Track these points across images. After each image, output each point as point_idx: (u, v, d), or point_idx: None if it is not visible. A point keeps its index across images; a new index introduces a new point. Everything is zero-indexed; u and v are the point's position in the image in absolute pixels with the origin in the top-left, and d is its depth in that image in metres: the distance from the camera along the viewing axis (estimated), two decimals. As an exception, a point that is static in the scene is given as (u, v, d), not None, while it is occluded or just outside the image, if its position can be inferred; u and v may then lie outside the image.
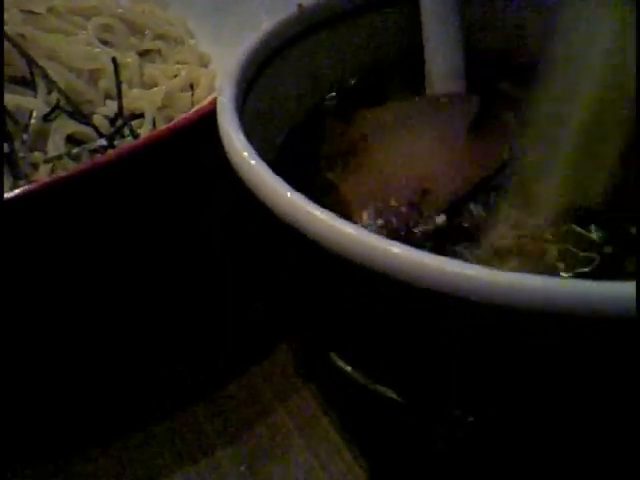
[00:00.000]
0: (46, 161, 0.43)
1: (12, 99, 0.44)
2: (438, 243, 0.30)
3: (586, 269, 0.28)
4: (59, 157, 0.43)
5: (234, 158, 0.28)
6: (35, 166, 0.43)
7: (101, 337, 0.41)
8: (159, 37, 0.55)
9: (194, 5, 0.58)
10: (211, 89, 0.51)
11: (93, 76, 0.48)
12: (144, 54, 0.53)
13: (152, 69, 0.51)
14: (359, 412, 0.37)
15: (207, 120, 0.33)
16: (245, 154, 0.28)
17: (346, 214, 0.31)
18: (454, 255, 0.29)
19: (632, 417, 0.26)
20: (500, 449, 0.31)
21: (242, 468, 0.37)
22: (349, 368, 0.31)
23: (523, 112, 0.36)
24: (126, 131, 0.45)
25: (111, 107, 0.47)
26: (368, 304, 0.26)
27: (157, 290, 0.43)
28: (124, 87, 0.48)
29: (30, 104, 0.44)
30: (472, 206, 0.31)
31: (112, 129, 0.45)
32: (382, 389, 0.30)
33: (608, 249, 0.29)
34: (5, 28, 0.45)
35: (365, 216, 0.31)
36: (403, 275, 0.22)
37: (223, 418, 0.39)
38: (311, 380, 0.39)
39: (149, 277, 0.42)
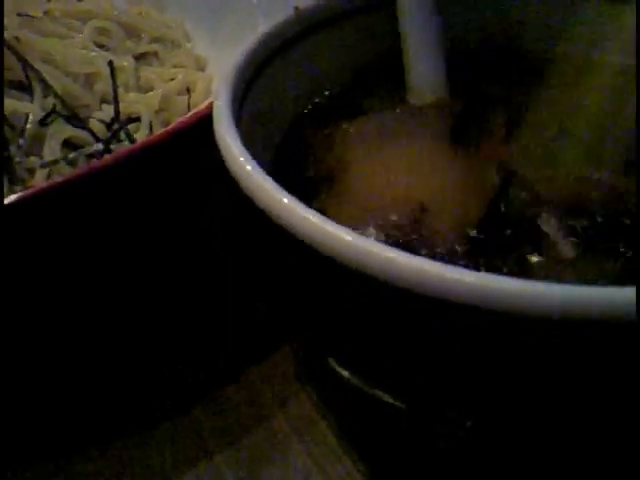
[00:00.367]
0: (42, 166, 0.43)
1: (8, 103, 0.44)
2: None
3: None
4: (55, 162, 0.43)
5: (231, 164, 0.28)
6: (31, 171, 0.43)
7: (101, 339, 0.41)
8: (155, 40, 0.55)
9: (191, 8, 0.58)
10: (208, 92, 0.51)
11: (89, 80, 0.48)
12: (140, 57, 0.53)
13: (148, 73, 0.51)
14: (357, 416, 0.37)
15: (204, 124, 0.33)
16: (242, 160, 0.28)
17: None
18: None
19: (630, 419, 0.26)
20: (497, 454, 0.31)
21: (241, 472, 0.37)
22: (347, 373, 0.31)
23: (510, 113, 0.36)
24: (122, 135, 0.45)
25: (107, 111, 0.47)
26: (365, 310, 0.26)
27: (157, 292, 0.43)
28: (120, 91, 0.48)
29: (26, 108, 0.44)
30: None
31: (108, 133, 0.45)
32: (380, 394, 0.30)
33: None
34: (0, 32, 0.45)
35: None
36: (401, 281, 0.22)
37: (222, 421, 0.39)
38: (310, 384, 0.39)
39: (149, 280, 0.42)
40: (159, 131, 0.39)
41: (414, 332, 0.25)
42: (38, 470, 0.38)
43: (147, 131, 0.47)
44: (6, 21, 0.46)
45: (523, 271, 0.28)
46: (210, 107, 0.32)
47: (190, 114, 0.39)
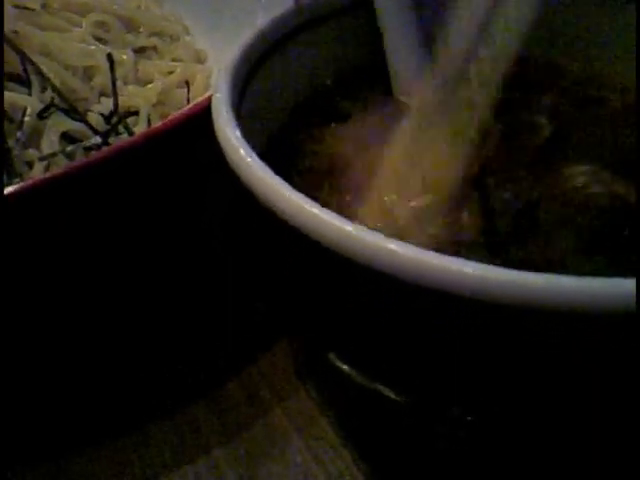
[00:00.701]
0: (41, 159, 0.42)
1: (6, 96, 0.43)
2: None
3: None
4: (53, 155, 0.42)
5: (230, 156, 0.28)
6: (29, 164, 0.43)
7: (100, 336, 0.41)
8: (154, 34, 0.54)
9: (190, 1, 0.58)
10: (207, 86, 0.51)
11: (88, 73, 0.48)
12: (139, 51, 0.52)
13: (147, 66, 0.50)
14: (358, 412, 0.37)
15: (203, 116, 0.33)
16: (242, 152, 0.28)
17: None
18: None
19: (632, 415, 0.26)
20: (497, 451, 0.31)
21: (240, 468, 0.37)
22: (347, 368, 0.31)
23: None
24: (121, 128, 0.45)
25: (106, 104, 0.46)
26: (366, 303, 0.26)
27: (155, 287, 0.42)
28: (119, 84, 0.47)
29: (24, 101, 0.44)
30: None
31: (107, 126, 0.45)
32: (380, 388, 0.30)
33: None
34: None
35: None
36: (403, 273, 0.22)
37: (222, 418, 0.39)
38: (310, 380, 0.39)
39: (146, 275, 0.42)
40: (157, 124, 0.39)
41: (415, 325, 0.25)
42: (38, 470, 0.38)
43: (146, 124, 0.46)
44: (4, 14, 0.46)
45: (524, 264, 0.28)
46: (209, 100, 0.32)
47: (189, 106, 0.39)
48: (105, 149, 0.38)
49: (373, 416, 0.35)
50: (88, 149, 0.44)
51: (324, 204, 0.24)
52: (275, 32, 0.37)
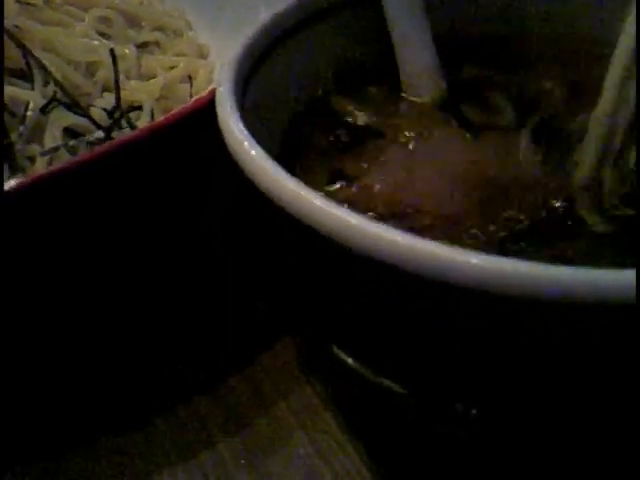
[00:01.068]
0: (43, 154, 0.42)
1: (9, 91, 0.43)
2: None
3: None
4: (56, 149, 0.42)
5: (234, 149, 0.28)
6: (32, 159, 0.43)
7: (102, 333, 0.41)
8: (157, 29, 0.54)
9: (192, -4, 0.57)
10: (210, 81, 0.50)
11: (90, 68, 0.48)
12: (142, 46, 0.52)
13: (150, 61, 0.50)
14: (361, 405, 0.37)
15: (205, 111, 0.33)
16: (246, 144, 0.28)
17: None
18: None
19: (636, 410, 0.26)
20: (503, 444, 0.31)
21: (244, 462, 0.37)
22: (351, 360, 0.31)
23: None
24: (124, 123, 0.45)
25: (109, 99, 0.46)
26: (370, 294, 0.26)
27: (157, 281, 0.42)
28: (122, 79, 0.47)
29: (26, 96, 0.44)
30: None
31: (110, 121, 0.45)
32: (384, 381, 0.30)
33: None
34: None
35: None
36: (408, 264, 0.22)
37: (225, 411, 0.39)
38: (313, 373, 0.39)
39: (148, 268, 0.42)
40: (160, 118, 0.39)
41: (420, 316, 0.25)
42: (38, 467, 0.38)
43: (148, 119, 0.46)
44: (6, 9, 0.46)
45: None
46: (212, 94, 0.32)
47: (192, 101, 0.39)
48: (108, 143, 0.38)
49: (377, 410, 0.35)
50: (91, 144, 0.43)
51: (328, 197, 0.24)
52: (278, 26, 0.37)
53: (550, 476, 0.31)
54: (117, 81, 0.47)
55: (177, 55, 0.53)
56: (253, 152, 0.27)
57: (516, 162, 0.33)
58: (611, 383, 0.25)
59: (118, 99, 0.46)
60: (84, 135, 0.44)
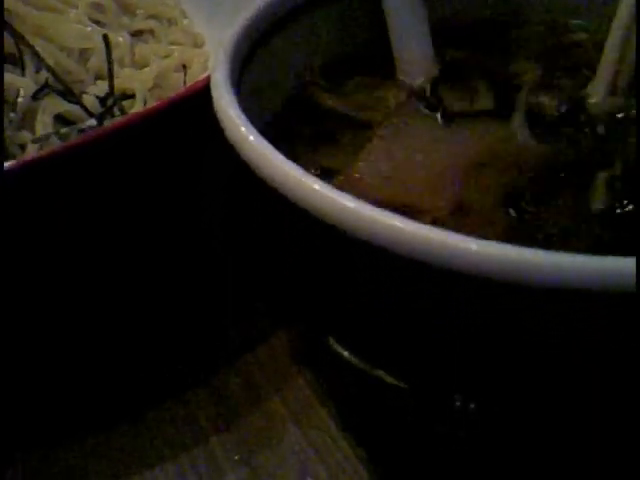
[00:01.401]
0: (34, 141, 0.42)
1: None
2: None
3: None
4: (47, 137, 0.42)
5: (230, 132, 0.27)
6: (23, 146, 0.42)
7: (97, 327, 0.40)
8: (152, 17, 0.53)
9: (188, -15, 0.57)
10: (204, 70, 0.50)
11: (84, 55, 0.47)
12: (136, 34, 0.52)
13: (144, 49, 0.50)
14: (357, 400, 0.36)
15: (199, 98, 0.32)
16: (243, 129, 0.27)
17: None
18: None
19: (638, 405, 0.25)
20: (502, 439, 0.31)
21: (236, 457, 0.36)
22: (347, 353, 0.30)
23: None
24: (116, 111, 0.44)
25: (102, 87, 0.46)
26: (368, 282, 0.25)
27: (150, 272, 0.42)
28: (115, 67, 0.46)
29: (18, 82, 0.43)
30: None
31: (102, 109, 0.44)
32: (381, 374, 0.29)
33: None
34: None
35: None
36: (405, 249, 0.21)
37: (217, 406, 0.38)
38: (309, 368, 0.39)
39: (141, 260, 0.41)
40: (153, 104, 0.38)
41: (418, 306, 0.24)
42: (32, 462, 0.37)
43: (142, 107, 0.45)
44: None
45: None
46: (206, 82, 0.32)
47: (185, 88, 0.38)
48: (99, 129, 0.38)
49: (373, 405, 0.35)
50: (82, 131, 0.43)
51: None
52: (275, 11, 0.37)
53: (550, 474, 0.31)
54: (110, 69, 0.46)
55: (171, 44, 0.52)
56: (250, 137, 0.26)
57: (501, 145, 0.33)
58: (612, 376, 0.24)
59: (111, 87, 0.45)
60: (76, 123, 0.43)
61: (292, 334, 0.41)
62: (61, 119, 0.44)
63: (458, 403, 0.29)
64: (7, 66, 0.44)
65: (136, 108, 0.45)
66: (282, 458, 0.35)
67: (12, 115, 0.42)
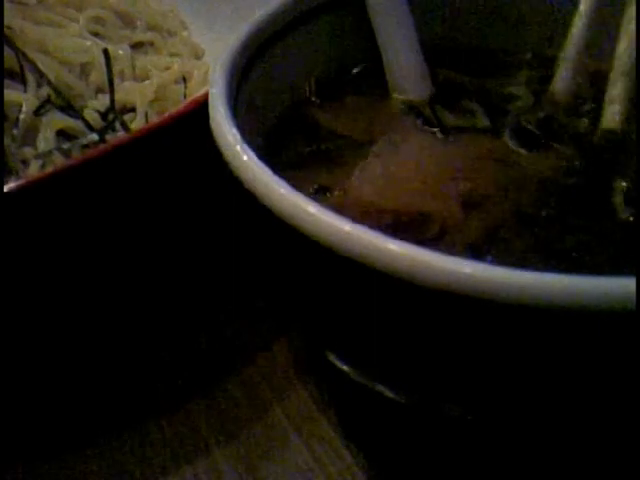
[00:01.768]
0: (36, 157, 0.42)
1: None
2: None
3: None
4: (49, 153, 0.42)
5: (226, 152, 0.28)
6: (25, 162, 0.42)
7: (98, 336, 0.41)
8: (152, 29, 0.54)
9: (187, -4, 0.57)
10: (205, 81, 0.50)
11: (84, 69, 0.47)
12: (136, 46, 0.52)
13: (144, 61, 0.50)
14: (357, 410, 0.37)
15: (200, 112, 0.32)
16: (237, 148, 0.27)
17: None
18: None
19: (631, 412, 0.25)
20: (499, 449, 0.31)
21: (239, 468, 0.36)
22: (346, 367, 0.31)
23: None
24: (118, 125, 0.45)
25: (103, 100, 0.46)
26: (362, 301, 0.25)
27: (153, 285, 0.42)
28: (116, 80, 0.47)
29: (20, 98, 0.43)
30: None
31: (103, 123, 0.44)
32: (379, 388, 0.29)
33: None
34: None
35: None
36: (398, 271, 0.22)
37: (220, 418, 0.38)
38: (310, 380, 0.39)
39: (143, 272, 0.42)
40: (153, 120, 0.39)
41: (413, 324, 0.24)
42: (34, 472, 0.37)
43: (143, 121, 0.46)
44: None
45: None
46: (206, 95, 0.32)
47: (186, 102, 0.38)
48: (102, 147, 0.38)
49: (373, 416, 0.35)
50: (84, 146, 0.43)
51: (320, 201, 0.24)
52: (272, 24, 0.37)
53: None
54: (111, 83, 0.46)
55: (171, 55, 0.52)
56: (245, 158, 0.27)
57: (498, 162, 0.33)
58: (606, 388, 0.25)
59: (112, 101, 0.46)
60: (78, 137, 0.44)
61: (293, 345, 0.41)
62: (63, 134, 0.44)
63: (455, 413, 0.29)
64: (9, 82, 0.44)
65: (137, 122, 0.46)
66: (285, 470, 0.35)
67: (14, 131, 0.43)
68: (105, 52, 0.47)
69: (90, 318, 0.40)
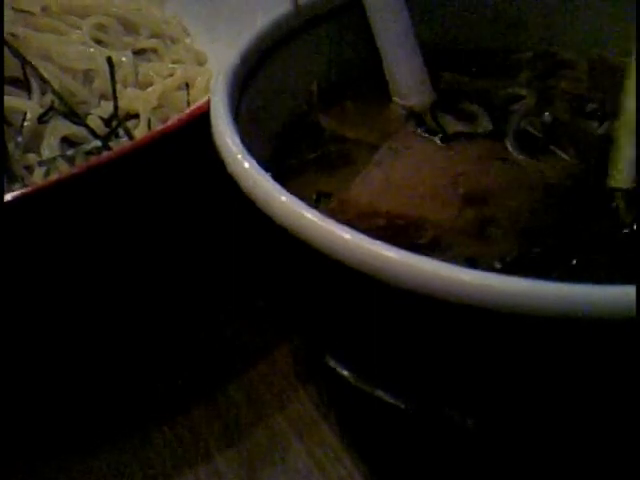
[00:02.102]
0: (40, 163, 0.42)
1: (6, 100, 0.43)
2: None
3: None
4: (53, 159, 0.42)
5: (228, 161, 0.28)
6: (29, 169, 0.43)
7: (99, 341, 0.41)
8: (154, 36, 0.54)
9: (190, 3, 0.57)
10: (207, 88, 0.50)
11: (88, 76, 0.48)
12: (139, 53, 0.52)
13: (147, 68, 0.50)
14: (358, 416, 0.37)
15: (203, 119, 0.33)
16: (239, 157, 0.28)
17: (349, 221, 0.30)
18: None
19: (631, 419, 0.25)
20: (500, 455, 0.31)
21: (240, 472, 0.36)
22: (346, 372, 0.31)
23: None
24: (121, 132, 0.45)
25: (106, 107, 0.46)
26: (362, 309, 0.25)
27: (156, 290, 0.42)
28: (119, 87, 0.47)
29: (24, 106, 0.44)
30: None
31: (107, 130, 0.45)
32: (379, 393, 0.30)
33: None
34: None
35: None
36: (396, 280, 0.22)
37: (222, 422, 0.39)
38: (310, 383, 0.39)
39: (147, 278, 0.42)
40: (157, 128, 0.39)
41: (411, 330, 0.25)
42: (35, 475, 0.38)
43: (146, 127, 0.46)
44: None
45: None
46: (209, 102, 0.32)
47: (189, 110, 0.39)
48: (106, 154, 0.38)
49: (373, 420, 0.35)
50: (88, 153, 0.43)
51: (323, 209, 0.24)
52: (274, 33, 0.37)
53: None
54: (114, 90, 0.46)
55: (174, 62, 0.53)
56: (247, 165, 0.27)
57: (499, 167, 0.33)
58: (603, 395, 0.25)
59: (116, 108, 0.46)
60: (81, 144, 0.44)
61: (295, 352, 0.41)
62: (67, 140, 0.44)
63: (455, 419, 0.29)
64: (13, 89, 0.45)
65: (140, 128, 0.46)
66: (286, 474, 0.36)
67: (19, 138, 0.43)
68: (108, 60, 0.47)
69: (91, 318, 0.41)
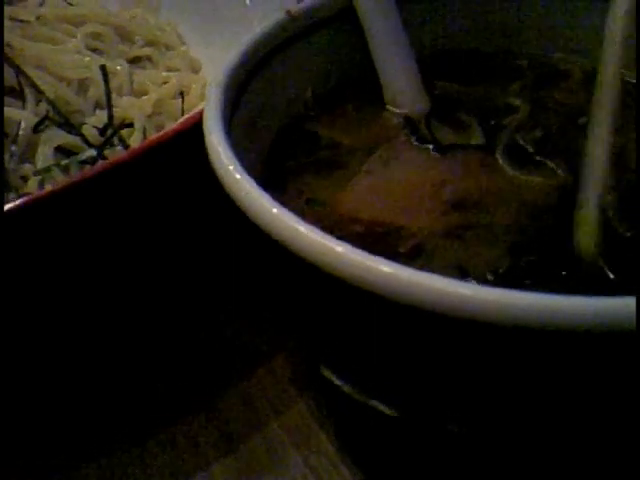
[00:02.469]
0: (35, 173, 0.42)
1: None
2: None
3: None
4: (48, 169, 0.42)
5: (220, 172, 0.28)
6: (24, 178, 0.43)
7: (99, 347, 0.41)
8: (149, 43, 0.54)
9: (185, 11, 0.57)
10: (202, 95, 0.50)
11: (82, 85, 0.48)
12: (134, 61, 0.53)
13: (142, 76, 0.50)
14: (354, 425, 0.37)
15: (198, 129, 0.33)
16: (231, 168, 0.28)
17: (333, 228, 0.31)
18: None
19: (625, 432, 0.26)
20: (495, 463, 0.31)
21: (237, 480, 0.36)
22: (340, 382, 0.31)
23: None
24: (116, 141, 0.45)
25: (101, 116, 0.46)
26: (356, 321, 0.25)
27: (154, 300, 0.42)
28: (114, 95, 0.47)
29: (19, 115, 0.44)
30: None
31: (102, 139, 0.45)
32: (375, 404, 0.30)
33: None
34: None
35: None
36: (390, 292, 0.22)
37: (219, 431, 0.39)
38: (308, 394, 0.39)
39: (144, 287, 0.42)
40: (151, 137, 0.39)
41: (404, 342, 0.25)
42: (36, 473, 0.38)
43: (141, 136, 0.46)
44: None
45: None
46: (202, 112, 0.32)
47: (184, 119, 0.39)
48: (101, 164, 0.38)
49: (370, 431, 0.35)
50: (83, 162, 0.43)
51: (317, 220, 0.24)
52: (267, 42, 0.37)
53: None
54: (109, 99, 0.47)
55: (169, 70, 0.53)
56: (238, 176, 0.27)
57: (488, 179, 0.33)
58: (598, 406, 0.25)
59: (110, 117, 0.46)
60: (76, 153, 0.44)
61: (292, 362, 0.41)
62: (61, 150, 0.44)
63: (450, 428, 0.29)
64: (8, 99, 0.45)
65: (135, 137, 0.46)
66: (283, 484, 0.36)
67: (13, 148, 0.43)
68: (102, 68, 0.47)
69: (90, 321, 0.41)
